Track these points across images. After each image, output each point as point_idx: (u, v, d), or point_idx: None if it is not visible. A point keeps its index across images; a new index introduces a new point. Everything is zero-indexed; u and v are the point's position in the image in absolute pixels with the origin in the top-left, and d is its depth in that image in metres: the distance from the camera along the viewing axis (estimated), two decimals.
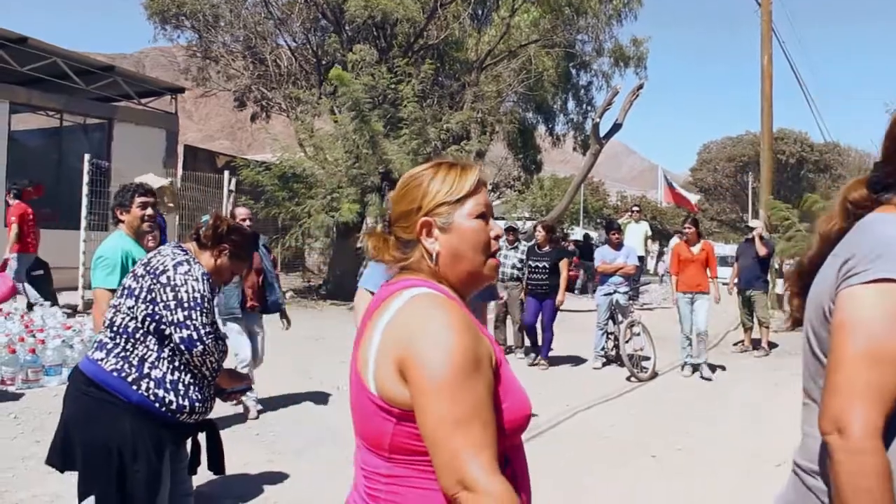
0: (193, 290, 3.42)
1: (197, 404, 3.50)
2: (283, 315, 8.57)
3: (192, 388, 3.48)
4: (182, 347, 3.39)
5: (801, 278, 2.12)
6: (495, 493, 1.62)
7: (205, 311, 3.44)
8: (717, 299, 11.82)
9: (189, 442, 3.75)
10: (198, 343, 3.38)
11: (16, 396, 8.13)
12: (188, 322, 3.37)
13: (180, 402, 3.42)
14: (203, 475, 5.12)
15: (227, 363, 3.79)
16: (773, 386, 10.57)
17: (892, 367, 1.67)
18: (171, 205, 12.01)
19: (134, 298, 3.45)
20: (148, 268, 3.50)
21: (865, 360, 1.69)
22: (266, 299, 8.33)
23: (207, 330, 3.43)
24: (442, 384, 1.66)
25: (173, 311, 3.38)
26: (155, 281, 3.43)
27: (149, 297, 3.42)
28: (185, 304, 3.39)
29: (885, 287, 1.72)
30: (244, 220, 7.92)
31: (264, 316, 8.43)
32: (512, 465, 1.83)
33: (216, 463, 3.83)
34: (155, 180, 11.24)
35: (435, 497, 1.72)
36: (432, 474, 1.71)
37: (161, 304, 3.40)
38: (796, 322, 2.14)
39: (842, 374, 1.71)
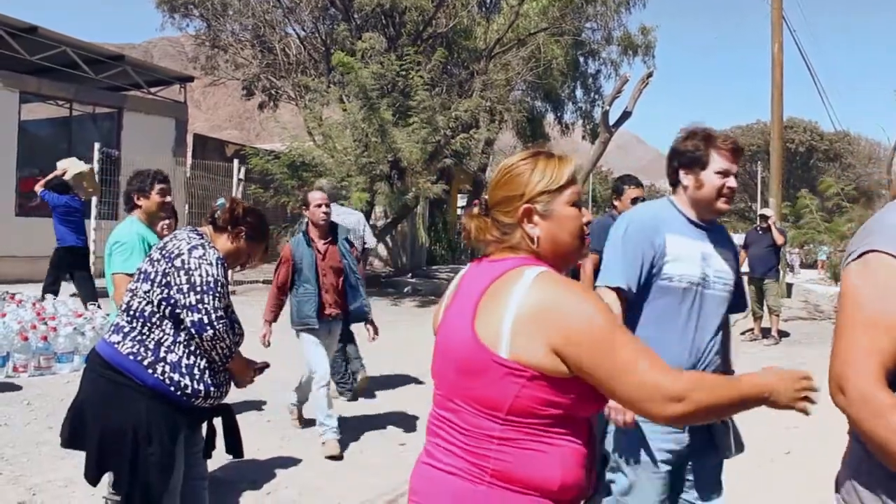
0: (207, 275, 3.42)
1: (212, 389, 3.51)
2: (370, 323, 7.18)
3: (207, 372, 3.49)
4: (193, 331, 3.39)
5: None
6: (692, 383, 1.88)
7: (217, 295, 3.43)
8: None
9: (204, 426, 3.77)
10: (208, 327, 3.37)
11: (29, 383, 8.18)
12: (199, 306, 3.37)
13: (195, 386, 3.43)
14: (217, 460, 5.15)
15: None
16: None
17: (882, 329, 1.80)
18: (90, 190, 11.99)
19: (150, 282, 3.45)
20: (163, 252, 3.51)
21: (858, 327, 1.84)
22: (347, 305, 7.05)
23: (219, 314, 3.42)
24: (610, 336, 1.88)
25: (186, 295, 3.38)
26: (170, 264, 3.43)
27: (164, 281, 3.42)
28: (198, 288, 3.38)
29: (869, 257, 1.86)
30: (320, 205, 6.64)
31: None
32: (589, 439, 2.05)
33: (234, 446, 3.84)
34: (75, 165, 11.31)
35: (542, 458, 1.93)
36: (541, 436, 1.93)
37: (175, 288, 3.40)
38: None
39: (840, 342, 1.88)
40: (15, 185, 17.32)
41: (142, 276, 3.51)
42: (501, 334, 1.92)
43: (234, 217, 3.71)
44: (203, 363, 3.48)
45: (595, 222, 6.15)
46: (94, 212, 15.42)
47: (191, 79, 23.38)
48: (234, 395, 7.44)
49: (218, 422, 3.78)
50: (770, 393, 1.99)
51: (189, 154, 21.77)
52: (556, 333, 1.88)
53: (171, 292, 3.40)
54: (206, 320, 3.37)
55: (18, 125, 18.02)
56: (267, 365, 3.96)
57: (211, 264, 3.45)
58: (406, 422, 7.44)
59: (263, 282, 18.96)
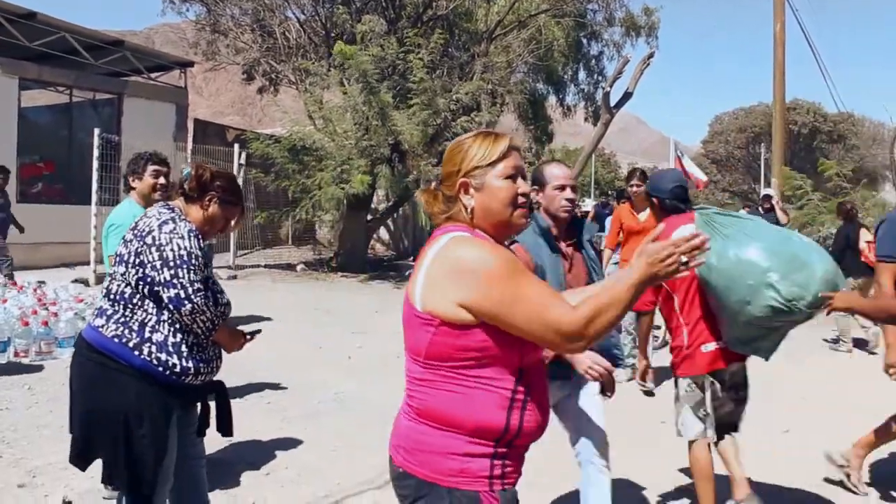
0: (179, 248, 3.36)
1: (201, 365, 3.48)
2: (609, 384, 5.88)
3: (195, 349, 3.47)
4: (171, 307, 3.35)
5: None
6: (585, 315, 2.09)
7: (192, 268, 3.37)
8: None
9: (199, 405, 3.76)
10: (185, 301, 3.32)
11: (30, 368, 8.21)
12: (175, 281, 3.32)
13: (184, 364, 3.41)
14: (216, 442, 5.16)
15: None
16: (784, 357, 10.52)
17: None
18: None
19: (125, 264, 3.43)
20: (135, 231, 3.47)
21: None
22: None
23: (197, 287, 3.36)
24: (502, 281, 2.13)
25: (160, 271, 3.33)
26: (141, 243, 3.40)
27: (137, 261, 3.39)
28: (171, 263, 3.33)
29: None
30: (563, 186, 4.11)
31: None
32: (528, 378, 2.27)
33: (225, 425, 3.83)
34: None
35: (455, 399, 2.21)
36: (457, 378, 2.21)
37: (149, 266, 3.36)
38: None
39: None
40: (16, 172, 17.31)
41: (118, 258, 3.48)
42: (416, 290, 2.26)
43: (202, 184, 3.62)
44: (191, 339, 3.45)
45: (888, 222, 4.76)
46: (94, 197, 15.40)
47: (191, 64, 23.31)
48: (235, 378, 7.49)
49: (211, 400, 3.77)
50: (647, 275, 2.13)
51: (190, 139, 21.72)
52: (457, 285, 2.17)
53: (146, 271, 3.36)
54: (182, 295, 3.32)
55: (18, 112, 17.99)
56: (258, 331, 3.91)
57: (182, 237, 3.39)
58: None
59: (265, 266, 18.98)
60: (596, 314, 2.09)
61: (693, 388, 4.64)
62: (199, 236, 3.51)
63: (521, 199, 2.39)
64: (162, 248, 3.35)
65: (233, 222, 3.79)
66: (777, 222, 13.39)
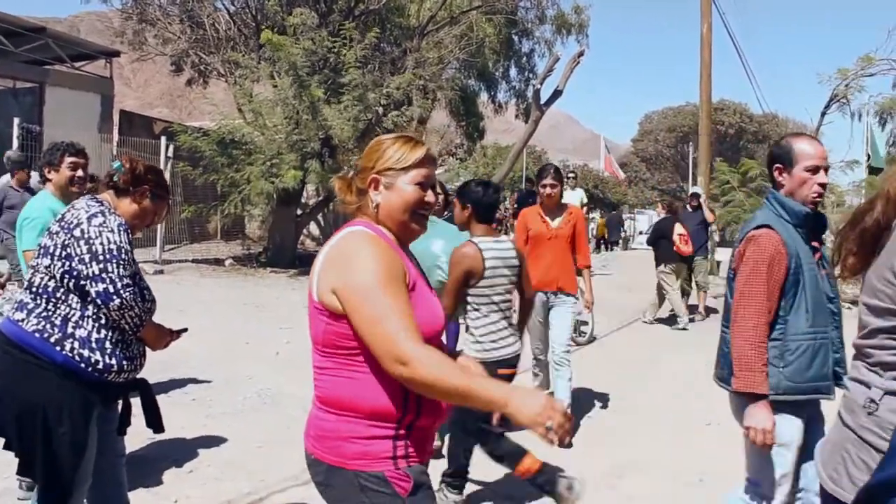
0: (109, 242, 3.30)
1: (125, 363, 3.42)
2: None
3: (119, 346, 3.40)
4: (99, 301, 3.28)
5: (863, 237, 2.25)
6: (425, 355, 2.12)
7: (122, 262, 3.31)
8: (589, 304, 7.45)
9: (120, 403, 3.69)
10: (114, 297, 3.26)
11: None
12: (103, 275, 3.26)
13: (107, 361, 3.35)
14: (138, 439, 5.09)
15: None
16: (707, 349, 10.74)
17: None
18: None
19: (50, 257, 3.35)
20: (62, 223, 3.39)
21: None
22: None
23: (126, 282, 3.31)
24: (367, 290, 2.22)
25: (88, 265, 3.27)
26: (69, 235, 3.32)
27: (64, 253, 3.32)
28: (101, 257, 3.27)
29: None
30: (816, 168, 3.61)
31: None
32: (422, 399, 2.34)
33: (154, 421, 3.76)
34: None
35: (349, 384, 2.32)
36: (350, 364, 2.31)
37: (76, 259, 3.29)
38: (854, 273, 2.32)
39: None
40: None
41: (42, 251, 3.40)
42: (314, 280, 2.38)
43: (136, 177, 3.59)
44: (115, 336, 3.39)
45: None
46: None
47: (117, 53, 22.86)
48: (159, 374, 7.40)
49: (135, 399, 3.71)
50: (506, 404, 2.06)
51: (115, 131, 21.31)
52: (333, 275, 2.30)
53: (73, 264, 3.29)
54: (111, 289, 3.26)
55: None
56: (184, 330, 3.86)
57: (112, 231, 3.34)
58: None
59: (193, 261, 18.72)
60: (430, 368, 2.11)
61: None
62: (129, 230, 3.46)
63: (422, 209, 2.52)
64: (91, 241, 3.29)
65: (158, 217, 3.75)
66: (703, 220, 13.68)
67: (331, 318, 2.30)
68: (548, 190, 6.91)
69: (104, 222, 3.35)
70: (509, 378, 4.68)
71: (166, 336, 3.72)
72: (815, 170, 3.48)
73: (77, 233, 3.31)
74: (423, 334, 2.23)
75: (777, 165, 3.60)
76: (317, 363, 2.42)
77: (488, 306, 4.83)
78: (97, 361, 3.32)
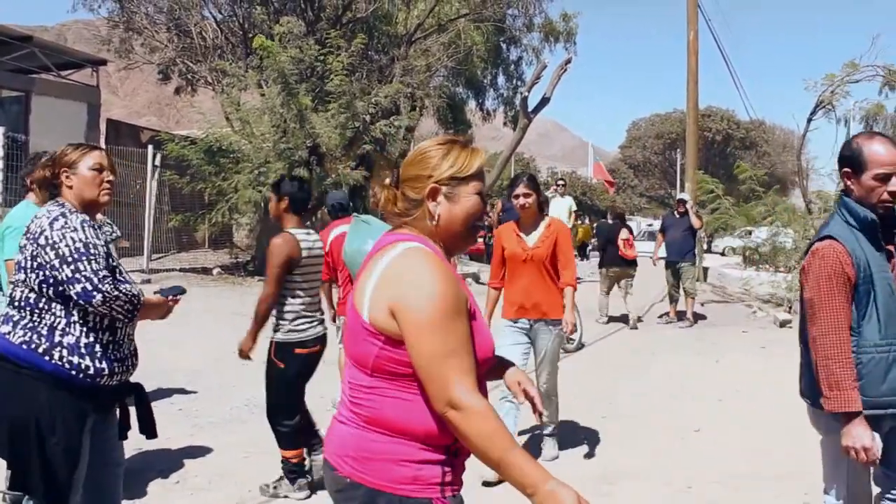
0: (74, 242, 3.27)
1: (115, 365, 3.39)
2: None
3: (111, 347, 3.38)
4: (81, 302, 3.25)
5: None
6: (478, 408, 2.02)
7: (92, 257, 3.27)
8: (570, 328, 6.08)
9: (117, 409, 3.66)
10: (94, 293, 3.22)
11: None
12: (77, 275, 3.22)
13: (98, 365, 3.32)
14: (125, 449, 5.05)
15: None
16: (695, 356, 10.79)
17: None
18: None
19: (24, 271, 3.34)
20: (28, 235, 3.37)
21: None
22: None
23: (103, 275, 3.26)
24: (432, 323, 2.07)
25: (59, 270, 3.24)
26: (35, 245, 3.31)
27: (35, 264, 3.30)
28: (69, 259, 3.24)
29: None
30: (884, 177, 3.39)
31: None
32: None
33: (147, 426, 3.73)
34: None
35: (405, 406, 2.16)
36: (406, 387, 2.15)
37: (48, 267, 3.27)
38: None
39: None
40: None
41: (17, 266, 3.39)
42: (365, 299, 2.20)
43: (48, 168, 3.61)
44: (105, 338, 3.37)
45: None
46: None
47: (104, 62, 22.80)
48: (145, 383, 7.32)
49: (130, 402, 3.68)
50: (534, 493, 1.99)
51: (102, 140, 21.24)
52: (392, 296, 2.13)
53: (46, 272, 3.28)
54: (89, 287, 3.22)
55: None
56: (182, 290, 3.83)
57: (75, 230, 3.30)
58: (321, 406, 7.40)
59: (180, 270, 18.67)
60: (480, 424, 2.03)
61: None
62: (94, 225, 3.42)
63: (480, 221, 2.37)
64: (56, 245, 3.26)
65: (106, 182, 3.61)
66: (690, 226, 13.72)
67: (387, 343, 2.15)
68: (521, 200, 6.04)
69: (66, 223, 3.32)
70: (316, 356, 5.38)
71: (165, 304, 3.73)
72: (885, 178, 3.23)
73: (42, 241, 3.29)
74: (479, 360, 2.19)
75: (845, 170, 3.35)
76: (362, 382, 2.22)
77: (299, 292, 5.28)
78: (87, 367, 3.30)
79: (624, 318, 13.71)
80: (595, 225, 40.03)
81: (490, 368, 2.41)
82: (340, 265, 6.35)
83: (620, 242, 13.68)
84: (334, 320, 7.22)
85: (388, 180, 2.43)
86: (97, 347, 3.34)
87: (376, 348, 2.17)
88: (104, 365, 3.35)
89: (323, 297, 6.20)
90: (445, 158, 2.30)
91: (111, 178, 3.58)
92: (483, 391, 2.23)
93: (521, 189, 6.03)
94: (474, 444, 2.04)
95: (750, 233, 20.59)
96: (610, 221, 14.75)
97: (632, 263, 13.83)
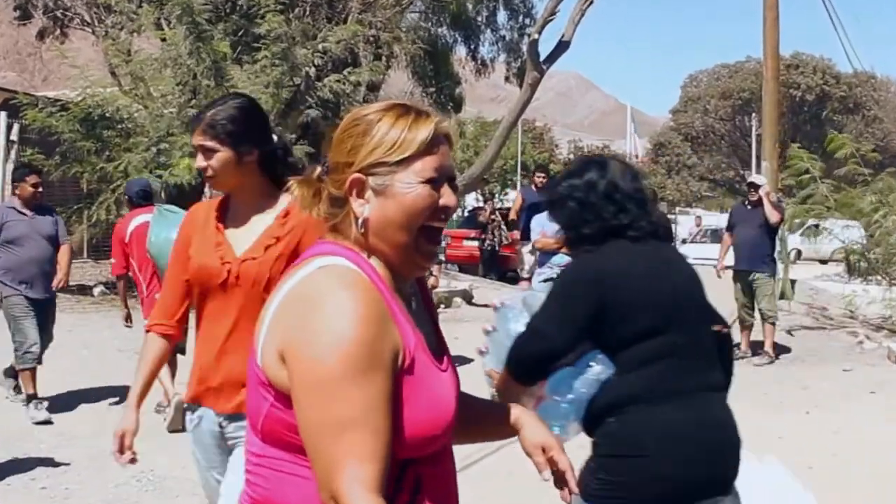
0: None
1: None
2: None
3: None
4: None
5: None
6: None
7: None
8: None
9: None
10: None
11: None
12: None
13: None
14: None
15: None
16: (776, 404, 10.79)
17: None
18: None
19: None
20: None
21: None
22: None
23: None
24: (328, 378, 1.94)
25: None
26: None
27: None
28: None
29: None
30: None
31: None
32: (423, 488, 2.13)
33: None
34: None
35: (306, 488, 2.02)
36: (301, 462, 2.03)
37: None
38: None
39: None
40: None
41: None
42: (260, 333, 2.12)
43: None
44: None
45: None
46: None
47: None
48: None
49: None
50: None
51: None
52: (285, 338, 2.03)
53: None
54: None
55: None
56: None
57: None
58: None
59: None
60: None
61: None
62: None
63: (438, 220, 2.22)
64: None
65: None
66: (764, 222, 13.52)
67: (278, 399, 2.05)
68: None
69: None
70: None
71: None
72: None
73: None
74: (418, 438, 2.07)
75: None
76: (254, 448, 2.14)
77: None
78: None
79: None
80: None
81: (492, 423, 2.42)
82: (143, 258, 7.32)
83: None
84: (128, 321, 9.38)
85: (317, 172, 2.28)
86: None
87: (267, 404, 2.08)
88: None
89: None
90: (374, 132, 2.16)
91: None
92: (435, 487, 2.19)
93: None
94: None
95: (817, 227, 20.11)
96: None
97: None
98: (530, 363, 3.62)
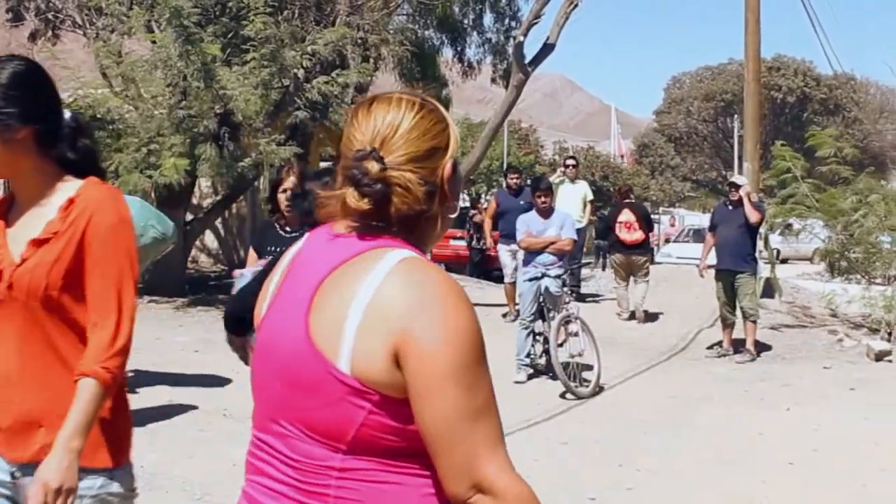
0: None
1: None
2: None
3: None
4: None
5: None
6: (520, 495, 1.90)
7: None
8: None
9: None
10: None
11: None
12: None
13: None
14: None
15: None
16: (757, 401, 10.79)
17: None
18: None
19: None
20: None
21: None
22: None
23: None
24: (463, 366, 1.90)
25: None
26: None
27: None
28: None
29: None
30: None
31: None
32: None
33: None
34: None
35: (395, 493, 1.95)
36: (398, 469, 1.96)
37: None
38: None
39: None
40: None
41: None
42: (343, 339, 1.93)
43: None
44: None
45: None
46: None
47: None
48: None
49: None
50: None
51: None
52: (399, 335, 1.90)
53: None
54: None
55: None
56: None
57: None
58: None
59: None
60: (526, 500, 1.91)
61: None
62: None
63: None
64: None
65: None
66: (745, 222, 13.51)
67: (381, 404, 1.93)
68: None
69: None
70: None
71: None
72: None
73: None
74: None
75: None
76: (331, 463, 1.97)
77: None
78: None
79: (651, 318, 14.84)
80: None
81: None
82: None
83: (618, 226, 15.11)
84: None
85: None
86: None
87: (363, 413, 1.93)
88: None
89: None
90: (447, 121, 2.13)
91: None
92: None
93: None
94: None
95: (790, 227, 19.87)
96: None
97: (636, 249, 15.15)
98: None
